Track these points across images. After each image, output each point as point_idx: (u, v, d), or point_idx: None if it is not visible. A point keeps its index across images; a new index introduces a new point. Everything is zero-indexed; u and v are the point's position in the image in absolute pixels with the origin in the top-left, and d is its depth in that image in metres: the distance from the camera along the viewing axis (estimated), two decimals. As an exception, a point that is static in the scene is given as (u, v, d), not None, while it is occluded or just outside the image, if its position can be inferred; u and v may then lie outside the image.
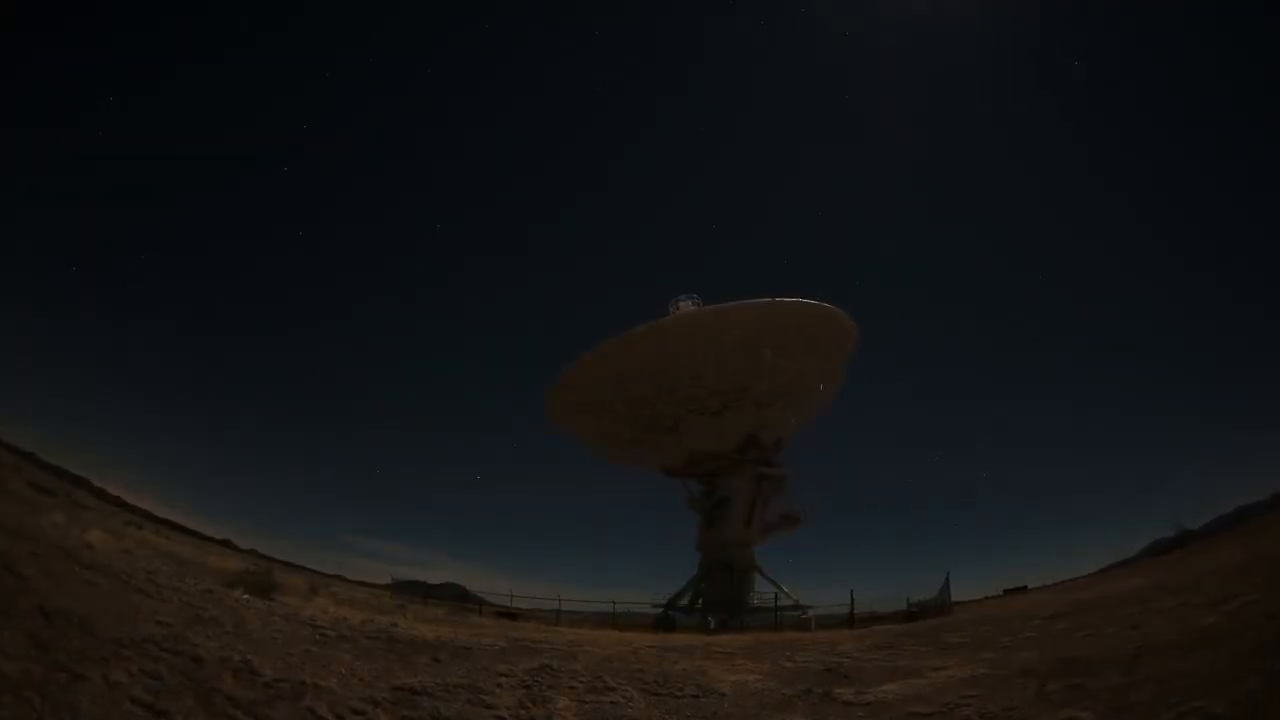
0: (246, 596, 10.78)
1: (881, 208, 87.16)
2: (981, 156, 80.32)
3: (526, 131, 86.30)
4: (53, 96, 64.93)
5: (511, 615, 28.77)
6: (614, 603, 31.38)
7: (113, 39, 66.99)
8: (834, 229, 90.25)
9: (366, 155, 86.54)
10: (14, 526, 9.34)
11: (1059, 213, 79.23)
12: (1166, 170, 73.47)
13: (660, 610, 31.47)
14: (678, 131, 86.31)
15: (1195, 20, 58.86)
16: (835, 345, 31.83)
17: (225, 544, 46.60)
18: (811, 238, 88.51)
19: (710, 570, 31.72)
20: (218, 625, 7.47)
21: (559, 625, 24.27)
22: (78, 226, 75.35)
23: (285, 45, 74.68)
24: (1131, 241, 75.75)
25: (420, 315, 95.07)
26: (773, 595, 30.92)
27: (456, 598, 35.85)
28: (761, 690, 7.85)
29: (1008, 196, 79.85)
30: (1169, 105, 68.38)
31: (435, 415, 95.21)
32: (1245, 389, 77.56)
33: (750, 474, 31.76)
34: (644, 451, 34.93)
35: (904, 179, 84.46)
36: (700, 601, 31.48)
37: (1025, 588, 31.80)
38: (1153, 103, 68.20)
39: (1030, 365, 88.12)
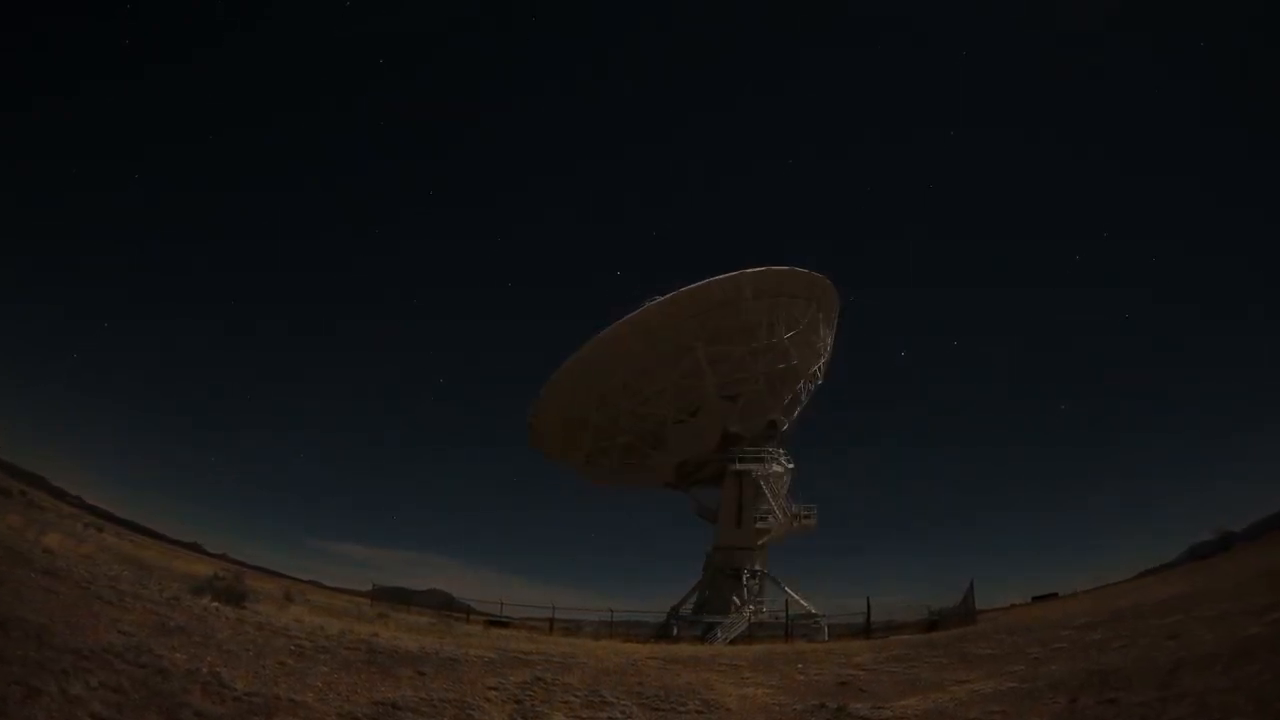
0: (216, 604, 10.83)
1: (903, 205, 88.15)
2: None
3: (509, 137, 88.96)
4: (42, 75, 66.53)
5: (502, 624, 28.99)
6: (612, 611, 31.64)
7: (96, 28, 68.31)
8: (848, 228, 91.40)
9: (354, 158, 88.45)
10: (-36, 529, 9.37)
11: (1090, 204, 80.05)
12: (1206, 165, 74.15)
13: (662, 619, 31.72)
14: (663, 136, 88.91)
15: None
16: (798, 309, 31.86)
17: (193, 548, 46.93)
18: (819, 235, 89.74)
19: (714, 576, 31.86)
20: (185, 635, 7.51)
21: (553, 634, 24.47)
22: (42, 214, 76.74)
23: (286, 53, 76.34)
24: (1173, 234, 76.12)
25: (409, 314, 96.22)
26: (783, 603, 31.08)
27: (442, 605, 36.10)
28: (770, 705, 7.90)
29: (1043, 185, 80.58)
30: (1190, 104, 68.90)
31: (422, 415, 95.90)
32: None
33: (731, 472, 31.77)
34: (634, 473, 35.13)
35: (916, 178, 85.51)
36: (703, 610, 31.59)
37: (1056, 595, 31.97)
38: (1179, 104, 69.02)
39: (1062, 359, 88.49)
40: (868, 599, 26.75)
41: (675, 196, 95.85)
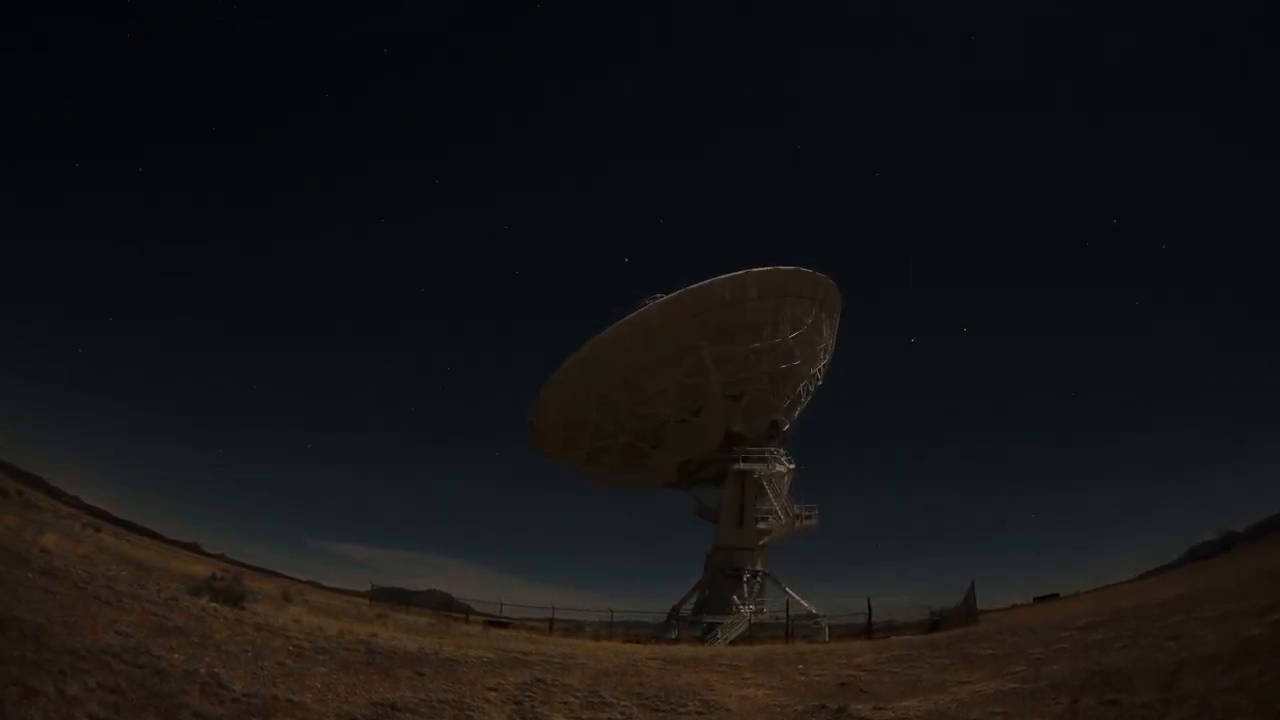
0: (214, 605, 10.83)
1: (904, 204, 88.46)
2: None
3: (509, 137, 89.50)
4: (41, 73, 67.02)
5: (501, 625, 29.02)
6: (612, 611, 31.68)
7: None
8: (850, 228, 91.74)
9: (354, 158, 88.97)
10: (-39, 529, 9.38)
11: (1094, 199, 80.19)
12: (1207, 165, 74.37)
13: (663, 619, 31.77)
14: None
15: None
16: (802, 308, 31.82)
17: (191, 548, 47.00)
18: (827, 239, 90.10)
19: (714, 576, 31.93)
20: (183, 636, 7.51)
21: (552, 635, 24.49)
22: (42, 214, 77.09)
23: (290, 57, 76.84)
24: (1174, 234, 76.21)
25: (409, 314, 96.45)
26: (784, 603, 31.10)
27: (441, 605, 36.16)
28: (771, 706, 7.90)
29: (1044, 185, 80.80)
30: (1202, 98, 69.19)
31: (422, 415, 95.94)
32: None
33: (733, 472, 31.80)
34: (635, 473, 35.18)
35: (917, 176, 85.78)
36: (704, 610, 31.62)
37: (1057, 595, 32.01)
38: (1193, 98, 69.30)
39: (1064, 357, 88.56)
40: (868, 599, 26.75)
41: (677, 197, 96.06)
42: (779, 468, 31.69)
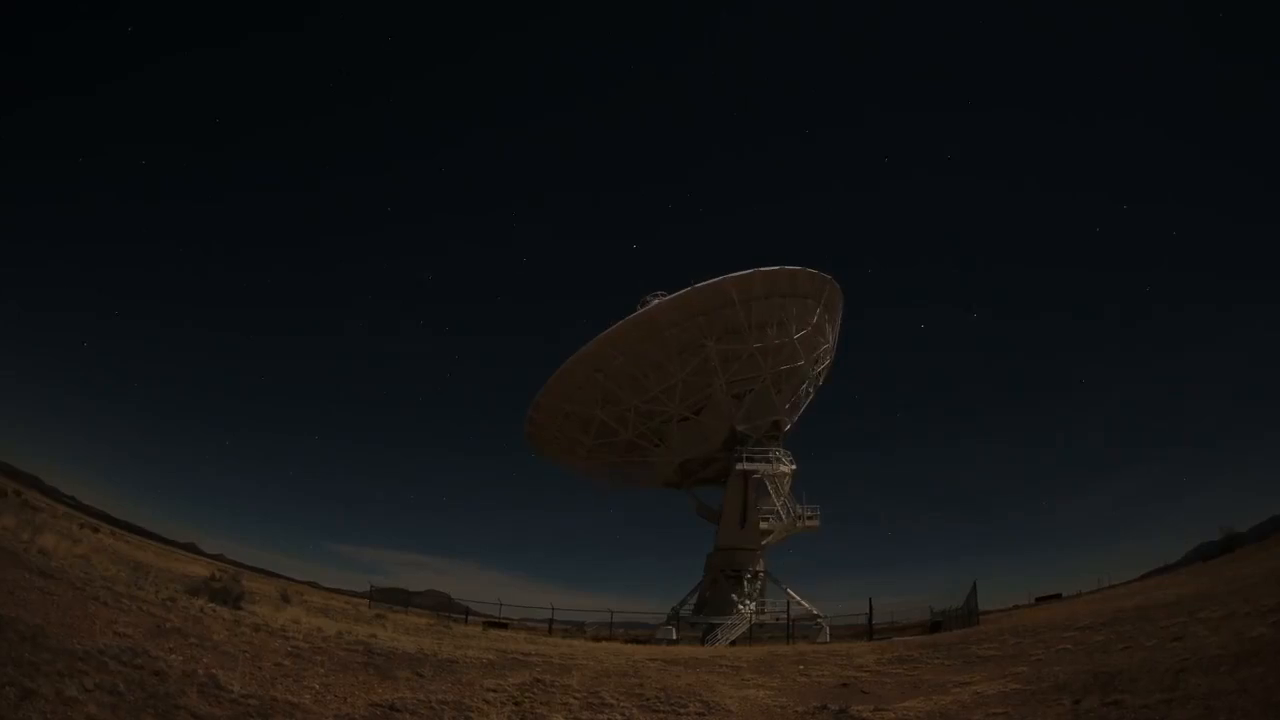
0: (212, 605, 10.83)
1: (906, 205, 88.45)
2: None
3: (512, 139, 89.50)
4: (42, 75, 67.22)
5: (500, 625, 29.05)
6: (612, 612, 31.70)
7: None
8: (852, 229, 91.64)
9: (355, 159, 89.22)
10: (-42, 530, 9.37)
11: (1093, 205, 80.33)
12: (1205, 178, 74.54)
13: (663, 619, 31.77)
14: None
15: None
16: (806, 309, 31.92)
17: (189, 548, 47.14)
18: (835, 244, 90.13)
19: (715, 577, 31.95)
20: (181, 636, 7.50)
21: (552, 636, 24.50)
22: (42, 215, 77.27)
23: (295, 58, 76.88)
24: (1186, 234, 76.31)
25: (410, 314, 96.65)
26: (784, 604, 31.11)
27: (440, 606, 36.24)
28: (772, 707, 7.90)
29: (1035, 191, 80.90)
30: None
31: (421, 415, 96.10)
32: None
33: (736, 472, 31.80)
34: (636, 471, 35.22)
35: (919, 176, 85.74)
36: (704, 610, 31.65)
37: (1059, 596, 32.03)
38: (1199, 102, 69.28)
39: (1067, 358, 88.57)
40: (870, 600, 26.79)
41: (680, 196, 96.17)
42: (782, 468, 31.69)
